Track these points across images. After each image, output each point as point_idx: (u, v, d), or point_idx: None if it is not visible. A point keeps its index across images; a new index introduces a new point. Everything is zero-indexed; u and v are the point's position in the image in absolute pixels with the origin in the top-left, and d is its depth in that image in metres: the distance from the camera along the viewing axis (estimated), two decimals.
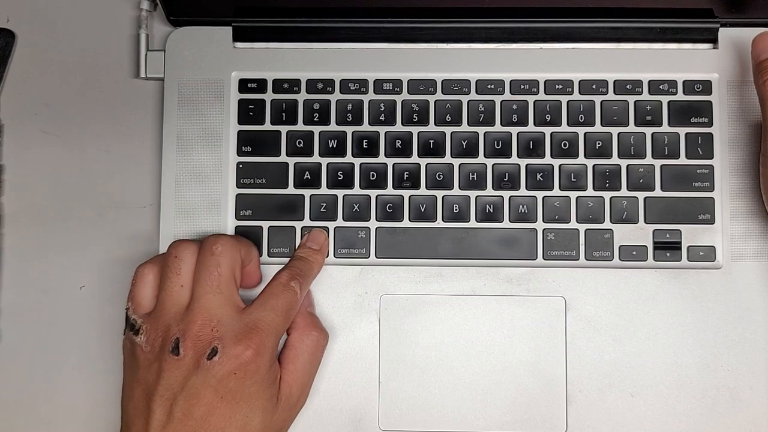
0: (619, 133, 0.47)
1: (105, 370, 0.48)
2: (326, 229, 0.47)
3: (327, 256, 0.47)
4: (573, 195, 0.47)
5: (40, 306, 0.49)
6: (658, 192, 0.47)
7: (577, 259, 0.47)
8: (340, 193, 0.47)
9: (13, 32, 0.50)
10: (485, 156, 0.47)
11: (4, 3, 0.51)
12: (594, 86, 0.48)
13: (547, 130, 0.47)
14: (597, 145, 0.47)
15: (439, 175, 0.47)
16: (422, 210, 0.47)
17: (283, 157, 0.48)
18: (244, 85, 0.48)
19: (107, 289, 0.49)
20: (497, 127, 0.48)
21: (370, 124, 0.48)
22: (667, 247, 0.46)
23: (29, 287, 0.49)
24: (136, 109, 0.50)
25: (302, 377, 0.43)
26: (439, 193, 0.47)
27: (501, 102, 0.48)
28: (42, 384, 0.48)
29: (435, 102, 0.48)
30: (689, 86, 0.47)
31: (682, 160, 0.47)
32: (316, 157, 0.48)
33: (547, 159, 0.47)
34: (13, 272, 0.49)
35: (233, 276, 0.42)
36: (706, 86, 0.47)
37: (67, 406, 0.48)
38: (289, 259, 0.46)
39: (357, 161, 0.48)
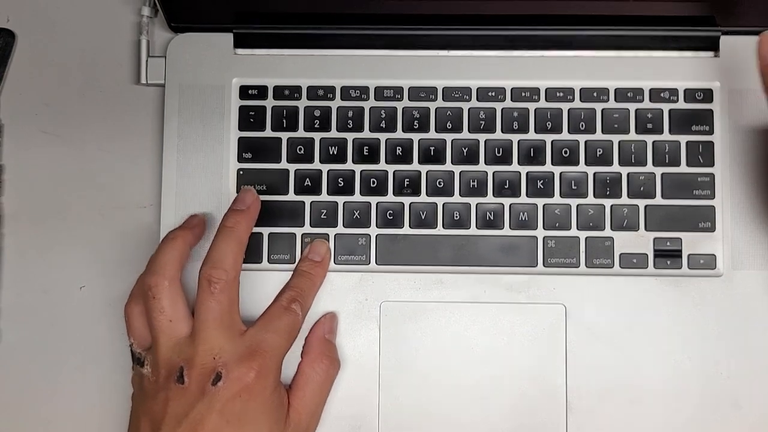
0: (619, 141, 0.47)
1: (105, 370, 0.48)
2: (326, 236, 0.47)
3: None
4: (573, 202, 0.47)
5: (40, 306, 0.49)
6: (658, 200, 0.47)
7: (578, 267, 0.46)
8: (341, 199, 0.47)
9: (13, 32, 0.50)
10: (486, 163, 0.47)
11: (4, 3, 0.51)
12: (595, 94, 0.48)
13: (548, 138, 0.47)
14: (598, 153, 0.47)
15: (439, 182, 0.47)
16: (423, 217, 0.47)
17: (283, 164, 0.48)
18: (244, 91, 0.48)
19: (107, 289, 0.49)
20: (498, 135, 0.47)
21: (370, 131, 0.48)
22: (668, 255, 0.46)
23: (29, 287, 0.49)
24: (136, 113, 0.50)
25: (311, 405, 0.43)
26: (440, 200, 0.47)
27: (502, 109, 0.48)
28: (42, 384, 0.48)
29: (436, 109, 0.48)
30: (690, 94, 0.47)
31: (683, 167, 0.47)
32: (316, 164, 0.48)
33: (548, 166, 0.47)
34: (13, 272, 0.49)
35: (233, 304, 0.42)
36: (707, 94, 0.47)
37: (67, 406, 0.48)
38: (288, 264, 0.47)
39: (357, 168, 0.47)
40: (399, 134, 0.48)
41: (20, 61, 0.51)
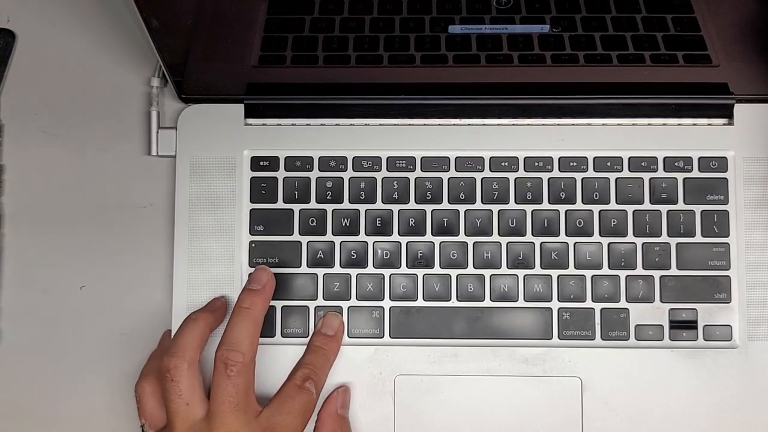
0: (634, 211, 0.47)
1: (105, 370, 0.48)
2: (340, 309, 0.47)
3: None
4: (588, 274, 0.47)
5: (40, 306, 0.49)
6: (674, 270, 0.46)
7: (593, 339, 0.46)
8: (354, 272, 0.47)
9: (13, 32, 0.50)
10: (499, 235, 0.47)
11: (4, 3, 0.51)
12: (608, 163, 0.47)
13: (562, 208, 0.47)
14: (612, 224, 0.47)
15: (453, 254, 0.47)
16: (436, 289, 0.47)
17: (296, 236, 0.47)
18: (256, 163, 0.48)
19: (107, 289, 0.49)
20: (511, 205, 0.47)
21: (383, 202, 0.47)
22: (683, 327, 0.46)
23: (29, 287, 0.49)
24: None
25: None
26: (453, 273, 0.47)
27: (515, 179, 0.47)
28: (42, 384, 0.48)
29: (448, 180, 0.47)
30: (705, 163, 0.47)
31: (698, 238, 0.47)
32: (329, 236, 0.47)
33: (562, 237, 0.47)
34: (13, 272, 0.49)
35: (249, 387, 0.42)
36: (721, 163, 0.47)
37: (67, 406, 0.48)
38: (302, 338, 0.46)
39: (370, 240, 0.47)
40: (412, 205, 0.47)
41: (20, 61, 0.50)
